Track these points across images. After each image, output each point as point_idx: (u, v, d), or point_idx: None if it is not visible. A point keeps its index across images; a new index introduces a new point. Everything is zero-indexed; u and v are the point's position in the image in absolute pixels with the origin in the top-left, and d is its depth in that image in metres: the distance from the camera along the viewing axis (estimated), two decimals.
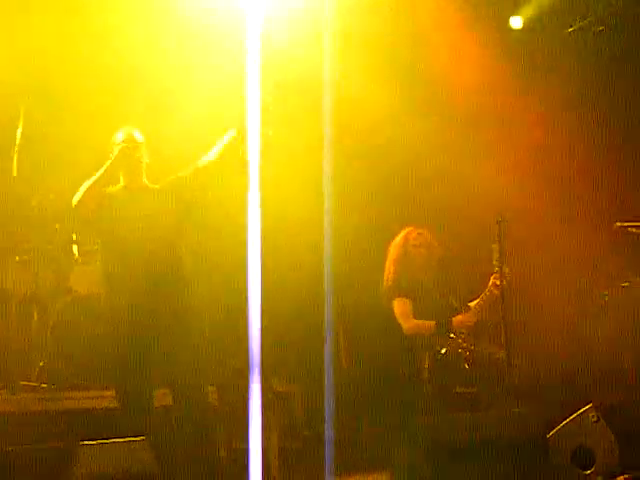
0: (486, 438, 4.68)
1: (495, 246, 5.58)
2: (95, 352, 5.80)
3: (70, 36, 6.57)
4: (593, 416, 4.93)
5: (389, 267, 6.14)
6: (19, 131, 6.37)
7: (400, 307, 5.93)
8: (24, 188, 6.37)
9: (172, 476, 4.68)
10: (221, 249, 6.55)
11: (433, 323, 5.82)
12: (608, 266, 6.90)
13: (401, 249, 6.13)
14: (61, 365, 6.13)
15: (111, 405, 5.17)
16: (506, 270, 5.63)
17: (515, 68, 7.47)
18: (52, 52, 6.46)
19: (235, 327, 5.59)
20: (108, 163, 4.97)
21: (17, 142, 6.35)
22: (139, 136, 5.10)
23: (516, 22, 7.76)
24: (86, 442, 4.42)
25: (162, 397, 5.11)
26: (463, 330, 5.85)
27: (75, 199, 4.92)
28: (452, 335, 5.83)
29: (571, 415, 4.96)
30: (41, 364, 6.17)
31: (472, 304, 5.94)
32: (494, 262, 5.64)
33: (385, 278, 6.14)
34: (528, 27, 7.73)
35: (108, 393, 5.26)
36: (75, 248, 6.50)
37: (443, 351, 5.78)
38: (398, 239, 6.18)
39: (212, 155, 5.08)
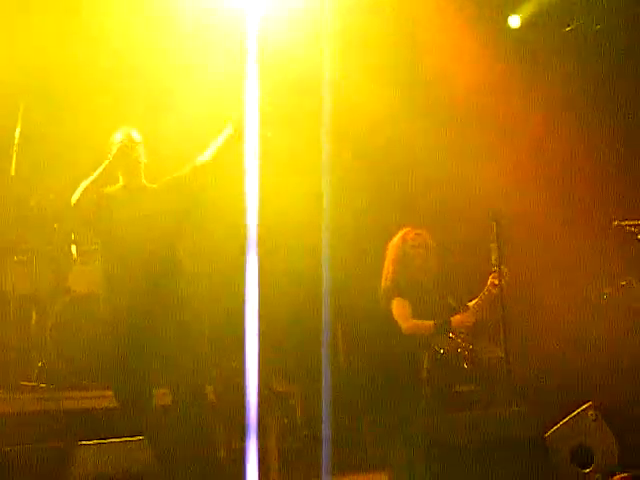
0: (485, 437, 4.69)
1: (493, 246, 5.59)
2: (94, 352, 5.79)
3: (69, 36, 6.58)
4: (592, 415, 4.94)
5: (387, 268, 6.14)
6: (18, 131, 6.37)
7: (398, 307, 5.92)
8: (22, 188, 6.37)
9: (171, 476, 4.68)
10: (219, 248, 6.55)
11: (432, 323, 5.82)
12: (607, 265, 6.90)
13: (399, 249, 6.12)
14: (60, 365, 6.13)
15: (110, 405, 5.17)
16: (504, 270, 5.63)
17: (513, 67, 7.47)
18: (51, 52, 6.47)
19: (234, 327, 5.59)
20: (106, 162, 4.97)
21: (16, 142, 6.36)
22: (137, 136, 5.11)
23: (514, 21, 7.76)
24: (85, 442, 4.43)
25: (161, 397, 5.11)
26: (462, 330, 5.85)
27: (73, 198, 4.92)
28: (451, 335, 5.83)
29: (570, 414, 4.96)
30: (40, 364, 6.17)
31: (471, 304, 5.93)
32: (492, 262, 5.64)
33: (383, 279, 6.13)
34: (526, 26, 7.73)
35: (107, 393, 5.26)
36: (74, 248, 6.50)
37: (442, 351, 5.78)
38: (396, 240, 6.17)
39: (209, 154, 5.09)
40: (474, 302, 5.90)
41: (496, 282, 5.65)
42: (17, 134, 6.35)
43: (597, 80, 7.41)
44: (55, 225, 6.39)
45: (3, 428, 5.20)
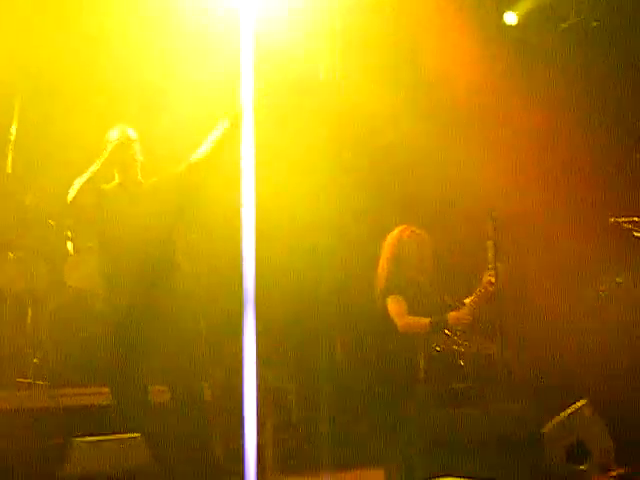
0: (481, 435, 4.69)
1: (490, 243, 5.59)
2: (90, 349, 5.79)
3: (64, 35, 6.57)
4: (588, 411, 4.95)
5: (383, 266, 6.14)
6: (14, 128, 6.37)
7: (394, 305, 5.92)
8: (18, 185, 6.37)
9: (167, 473, 4.68)
10: (216, 246, 6.56)
11: (428, 320, 5.82)
12: (603, 263, 6.90)
13: (395, 248, 6.12)
14: (56, 362, 6.13)
15: (106, 402, 5.17)
16: (500, 267, 5.63)
17: (512, 66, 7.48)
18: (47, 51, 6.46)
19: (231, 325, 5.59)
20: (102, 160, 4.97)
21: (12, 139, 6.36)
22: (132, 133, 5.11)
23: (511, 19, 7.76)
24: (82, 439, 4.43)
25: (157, 394, 5.12)
26: (458, 327, 5.85)
27: (69, 196, 4.92)
28: (447, 332, 5.84)
29: (566, 411, 4.97)
30: (35, 361, 6.16)
31: (467, 301, 5.93)
32: (489, 259, 5.65)
33: (379, 277, 6.13)
34: (523, 23, 7.73)
35: (103, 390, 5.25)
36: (70, 245, 6.49)
37: (438, 349, 5.78)
38: (392, 238, 6.17)
39: (205, 149, 5.09)
40: (470, 300, 5.90)
41: (492, 280, 5.66)
42: (13, 132, 6.35)
43: (596, 77, 7.41)
44: (51, 222, 6.39)
45: None
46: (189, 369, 4.96)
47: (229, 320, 5.92)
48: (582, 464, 4.82)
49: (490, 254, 5.62)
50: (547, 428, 4.88)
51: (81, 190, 4.90)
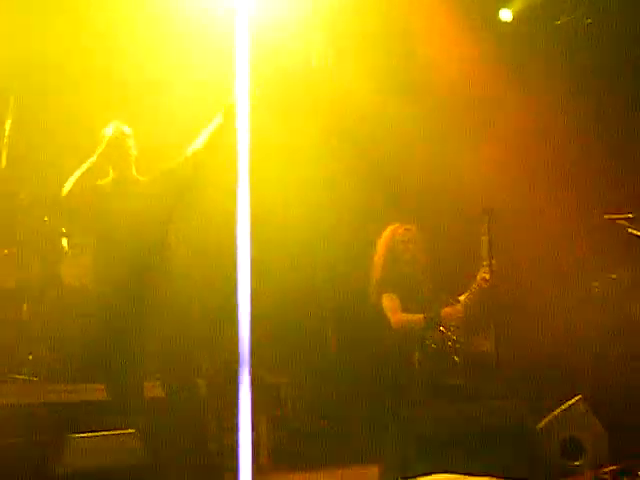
0: (475, 431, 4.70)
1: (484, 239, 5.60)
2: (85, 345, 5.78)
3: (59, 30, 6.55)
4: (582, 408, 4.96)
5: (377, 263, 6.15)
6: (8, 124, 6.35)
7: (388, 302, 5.93)
8: (13, 181, 6.36)
9: (162, 469, 4.68)
10: (211, 241, 6.55)
11: (421, 316, 5.83)
12: (597, 258, 6.91)
13: (388, 245, 6.13)
14: (51, 358, 6.12)
15: (101, 398, 5.16)
16: (494, 264, 5.64)
17: (503, 61, 7.47)
18: (41, 46, 6.44)
19: (225, 320, 5.59)
20: (97, 154, 4.97)
21: (6, 134, 6.34)
22: (127, 129, 5.12)
23: (506, 15, 7.76)
24: (76, 435, 4.42)
25: (152, 389, 5.11)
26: (452, 323, 5.86)
27: (64, 190, 4.92)
28: (442, 329, 5.84)
29: (560, 407, 4.98)
30: (30, 357, 6.15)
31: (461, 298, 5.94)
32: (483, 255, 5.65)
33: (373, 274, 6.14)
34: (518, 19, 7.73)
35: (98, 386, 5.25)
36: (65, 241, 6.48)
37: (433, 345, 5.79)
38: (385, 235, 6.19)
39: (199, 143, 5.09)
40: (464, 296, 5.91)
41: (486, 276, 5.67)
42: (7, 127, 6.33)
43: (588, 73, 7.41)
44: (46, 218, 6.38)
45: None
46: (183, 363, 4.96)
47: (223, 314, 5.92)
48: (576, 460, 4.83)
49: (484, 250, 5.63)
50: (541, 424, 4.89)
51: (76, 184, 4.90)
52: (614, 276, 6.75)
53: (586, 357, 6.56)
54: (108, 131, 5.07)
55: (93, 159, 4.96)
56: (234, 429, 4.37)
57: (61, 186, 4.95)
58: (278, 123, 6.62)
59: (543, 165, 7.34)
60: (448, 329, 5.84)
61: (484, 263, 5.69)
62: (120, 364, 4.83)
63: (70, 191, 4.91)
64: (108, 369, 4.91)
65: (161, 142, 5.77)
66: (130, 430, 4.56)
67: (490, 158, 7.18)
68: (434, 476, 4.21)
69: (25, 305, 6.27)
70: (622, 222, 5.97)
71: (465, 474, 4.15)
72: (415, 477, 4.21)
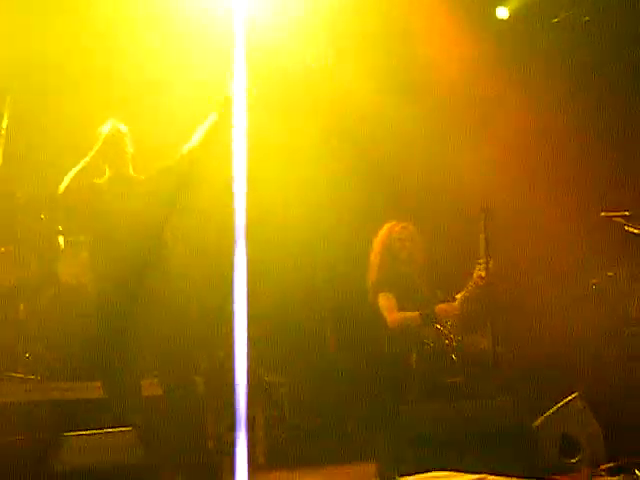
0: (472, 429, 4.70)
1: (481, 237, 5.60)
2: (82, 343, 5.79)
3: (55, 28, 6.55)
4: (579, 405, 4.96)
5: (373, 262, 6.15)
6: (5, 122, 6.35)
7: (384, 301, 5.94)
8: (10, 179, 6.35)
9: (159, 467, 4.68)
10: (210, 239, 6.55)
11: (417, 314, 5.83)
12: (595, 256, 6.91)
13: (385, 243, 6.14)
14: (48, 356, 6.12)
15: (98, 396, 5.17)
16: (491, 261, 5.64)
17: (501, 59, 7.47)
18: (37, 45, 6.44)
19: (222, 319, 5.59)
20: (93, 152, 4.98)
21: (3, 133, 6.34)
22: (123, 127, 5.12)
23: (502, 13, 7.76)
24: (74, 433, 4.42)
25: (149, 387, 5.11)
26: (448, 320, 5.86)
27: (61, 187, 4.93)
28: (439, 327, 5.85)
29: (557, 404, 4.98)
30: (27, 355, 6.15)
31: (458, 296, 5.94)
32: (480, 253, 5.66)
33: (370, 272, 6.15)
34: (514, 17, 7.73)
35: (95, 384, 5.25)
36: (61, 239, 6.48)
37: (430, 343, 5.79)
38: (382, 233, 6.19)
39: (195, 140, 5.09)
40: (461, 294, 5.91)
41: (483, 274, 5.67)
42: (4, 125, 6.33)
43: (587, 71, 7.41)
44: (42, 216, 6.37)
45: None
46: (181, 361, 4.96)
47: (220, 313, 5.92)
48: (573, 457, 4.83)
49: (481, 248, 5.63)
50: (538, 421, 4.90)
51: (72, 183, 4.91)
52: (611, 274, 6.75)
53: (583, 354, 6.56)
54: (104, 129, 5.07)
55: (89, 156, 4.96)
56: (232, 428, 4.38)
57: (58, 183, 4.95)
58: (277, 123, 6.63)
59: (541, 164, 7.34)
60: (444, 326, 5.85)
61: (480, 261, 5.69)
62: (117, 362, 4.83)
63: (67, 189, 4.91)
64: (105, 367, 4.91)
65: (159, 141, 5.77)
66: (128, 428, 4.56)
67: (489, 157, 7.19)
68: (430, 474, 4.22)
69: (22, 303, 6.27)
70: (619, 220, 5.97)
71: (461, 472, 4.16)
72: (411, 475, 4.22)
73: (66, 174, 4.95)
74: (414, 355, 5.78)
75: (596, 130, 7.29)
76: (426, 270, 6.16)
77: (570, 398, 4.98)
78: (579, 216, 6.89)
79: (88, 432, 4.46)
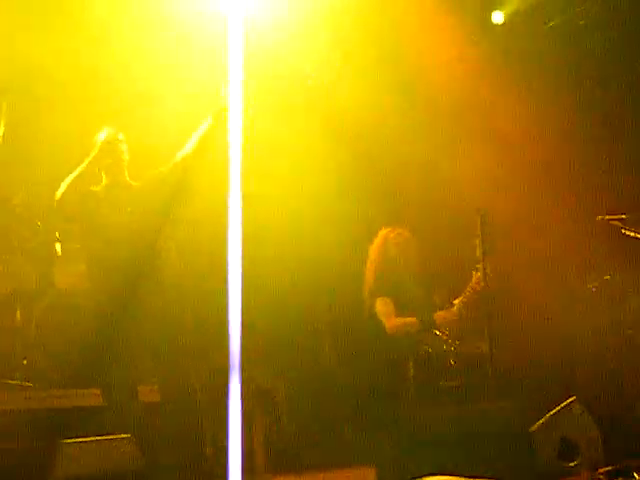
0: (471, 433, 4.70)
1: (478, 242, 5.60)
2: (79, 350, 5.78)
3: (51, 34, 6.54)
4: (577, 409, 4.95)
5: (370, 268, 6.16)
6: (1, 129, 6.35)
7: (382, 307, 5.94)
8: (6, 186, 6.35)
9: (157, 473, 4.68)
10: (204, 249, 6.54)
11: (415, 320, 5.83)
12: (592, 260, 6.92)
13: (381, 250, 6.15)
14: (45, 363, 6.11)
15: (96, 403, 5.16)
16: (488, 266, 5.64)
17: (497, 64, 7.48)
18: (32, 51, 6.43)
19: (219, 323, 5.57)
20: (90, 159, 4.98)
21: None
22: (119, 134, 5.13)
23: (498, 17, 7.78)
24: (71, 440, 4.41)
25: (147, 394, 5.11)
26: (446, 326, 5.86)
27: (57, 194, 4.93)
28: (437, 332, 5.85)
29: (555, 408, 4.98)
30: (24, 362, 6.14)
31: (456, 302, 5.94)
32: (477, 257, 5.66)
33: (367, 278, 6.15)
34: (510, 22, 7.74)
35: (93, 391, 5.24)
36: (58, 246, 6.47)
37: (429, 349, 5.79)
38: (378, 240, 6.20)
39: (190, 146, 5.10)
40: (459, 300, 5.91)
41: (480, 280, 5.67)
42: (0, 132, 6.33)
43: (582, 76, 7.43)
44: (39, 223, 6.37)
45: None
46: (178, 367, 4.96)
47: (216, 319, 5.91)
48: (572, 461, 4.83)
49: (478, 253, 5.63)
50: (537, 425, 4.89)
51: (69, 188, 4.91)
52: (608, 277, 6.75)
53: (581, 358, 6.56)
54: (101, 136, 5.08)
55: (86, 163, 4.96)
56: (229, 435, 4.37)
57: (54, 191, 4.95)
58: (273, 132, 6.62)
59: (538, 168, 7.34)
60: (443, 332, 5.85)
61: (478, 266, 5.69)
62: (115, 369, 4.83)
63: (63, 196, 4.92)
64: (103, 374, 4.91)
65: (153, 149, 5.77)
66: (125, 435, 4.55)
67: (485, 162, 7.19)
68: (429, 478, 4.22)
69: (19, 311, 6.26)
70: (615, 223, 5.98)
71: (460, 476, 4.16)
72: (411, 479, 4.22)
73: (63, 181, 4.95)
74: (412, 360, 5.78)
75: (592, 133, 7.30)
76: (422, 276, 6.16)
77: (568, 401, 4.98)
78: (576, 220, 6.89)
79: (85, 439, 4.45)
